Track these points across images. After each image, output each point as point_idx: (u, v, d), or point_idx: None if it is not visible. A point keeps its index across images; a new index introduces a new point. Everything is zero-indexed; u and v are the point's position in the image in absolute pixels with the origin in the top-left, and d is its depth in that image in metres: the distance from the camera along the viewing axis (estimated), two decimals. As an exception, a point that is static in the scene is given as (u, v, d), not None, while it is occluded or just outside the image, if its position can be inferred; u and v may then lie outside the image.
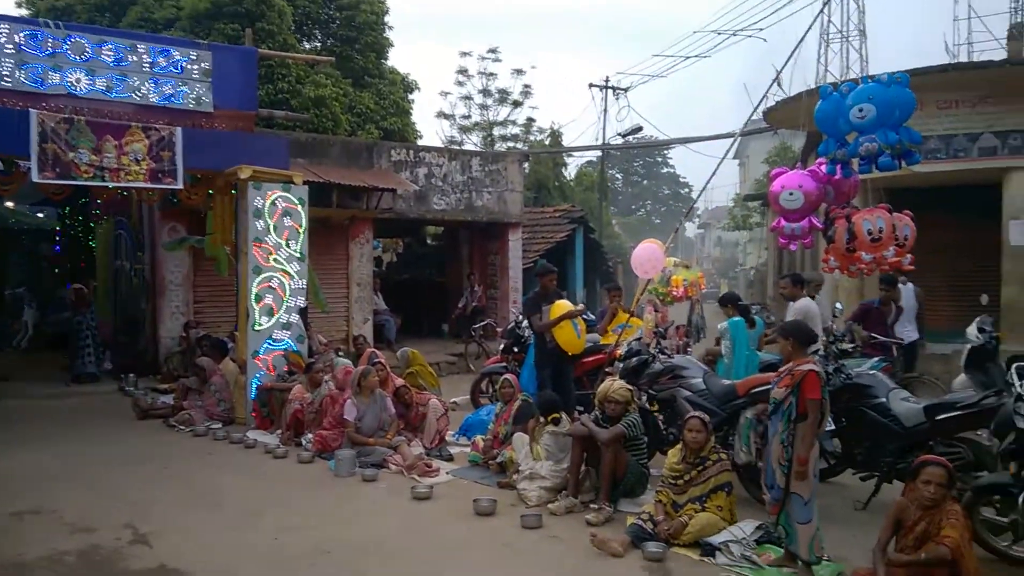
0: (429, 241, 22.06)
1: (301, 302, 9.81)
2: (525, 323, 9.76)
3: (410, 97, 21.64)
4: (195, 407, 9.31)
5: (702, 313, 15.37)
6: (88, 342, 12.13)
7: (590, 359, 8.48)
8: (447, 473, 7.16)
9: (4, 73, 8.91)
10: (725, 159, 11.44)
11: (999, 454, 4.96)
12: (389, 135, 19.00)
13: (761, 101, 11.63)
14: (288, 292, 9.64)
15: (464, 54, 29.67)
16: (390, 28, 21.28)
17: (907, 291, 9.48)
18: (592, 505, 5.90)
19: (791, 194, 7.58)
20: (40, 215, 18.35)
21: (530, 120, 30.20)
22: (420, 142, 21.02)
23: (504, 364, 9.65)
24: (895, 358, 8.67)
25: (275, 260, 9.55)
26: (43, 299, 16.54)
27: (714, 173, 12.18)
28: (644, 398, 7.03)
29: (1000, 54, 14.43)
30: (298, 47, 18.50)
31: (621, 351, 7.74)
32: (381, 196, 14.24)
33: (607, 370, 8.09)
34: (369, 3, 20.12)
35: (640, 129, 28.55)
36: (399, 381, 8.48)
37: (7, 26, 8.98)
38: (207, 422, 9.09)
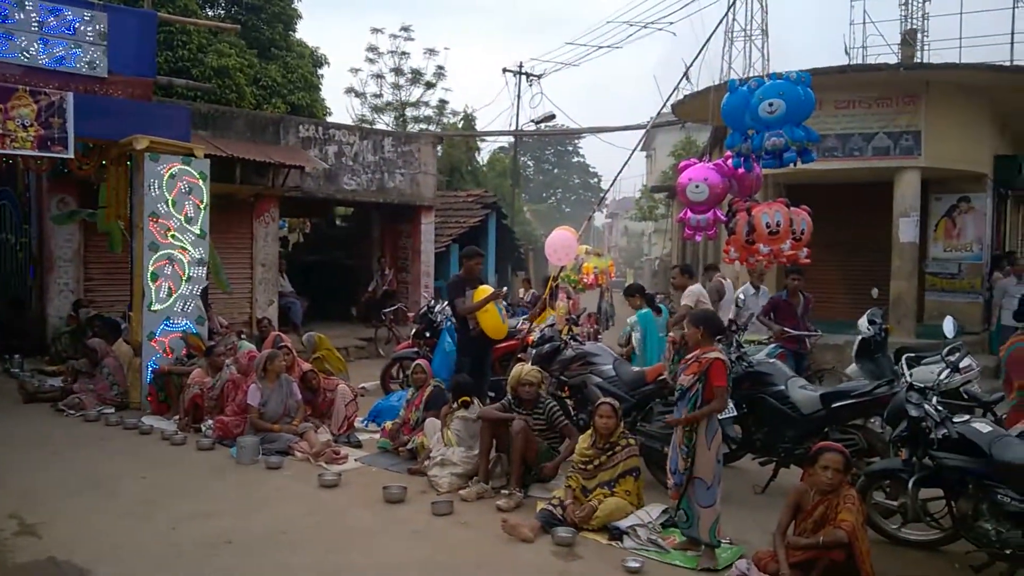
0: (338, 222, 21.58)
1: (201, 282, 9.41)
2: (438, 308, 9.68)
3: (319, 72, 21.02)
4: (86, 391, 8.81)
5: (611, 301, 15.63)
6: (-33, 320, 11.34)
7: (503, 345, 8.48)
8: (356, 460, 7.02)
9: None
10: (635, 151, 11.63)
11: (890, 441, 5.22)
12: (297, 110, 18.42)
13: (672, 94, 11.89)
14: (187, 271, 9.23)
15: (376, 30, 28.99)
16: (299, -1, 20.61)
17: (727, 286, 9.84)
18: (503, 491, 5.90)
19: (697, 186, 7.76)
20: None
21: (443, 102, 29.92)
22: (329, 119, 20.47)
23: (415, 349, 9.56)
24: (809, 351, 8.85)
25: (173, 237, 9.13)
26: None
27: (626, 163, 12.31)
28: (555, 384, 7.08)
29: (894, 58, 15.18)
30: (200, 13, 17.65)
31: (534, 337, 7.77)
32: (288, 173, 13.79)
33: (519, 356, 8.11)
34: (277, -29, 19.40)
35: (553, 117, 28.65)
36: (306, 366, 8.25)
37: None
38: (99, 407, 8.61)
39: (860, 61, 14.74)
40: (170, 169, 9.07)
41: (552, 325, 7.82)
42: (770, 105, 6.94)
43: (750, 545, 5.00)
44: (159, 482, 6.26)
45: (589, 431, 5.73)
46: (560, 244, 8.65)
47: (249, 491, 6.10)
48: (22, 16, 8.87)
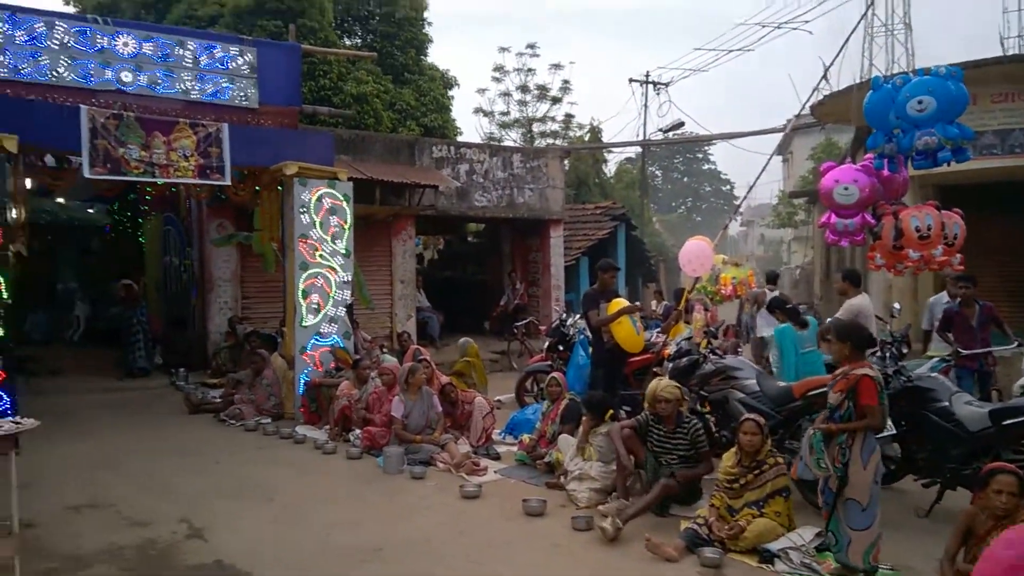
0: (469, 238, 22.07)
1: (347, 298, 9.85)
2: (570, 321, 9.70)
3: (450, 93, 21.66)
4: (246, 401, 9.42)
5: (752, 312, 15.10)
6: (139, 337, 12.32)
7: (638, 358, 8.38)
8: (495, 472, 7.12)
9: (55, 70, 9.09)
10: (772, 156, 11.23)
11: (1073, 462, 4.75)
12: (430, 132, 19.03)
13: (810, 95, 11.38)
14: (334, 288, 9.70)
15: (502, 50, 29.51)
16: (429, 24, 21.35)
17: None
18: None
19: (845, 188, 7.39)
20: (90, 211, 18.64)
21: (569, 116, 30.02)
22: (460, 139, 21.01)
23: (549, 363, 9.60)
24: (992, 370, 8.01)
25: (321, 256, 9.62)
26: (95, 294, 16.78)
27: (764, 169, 11.88)
28: (695, 399, 6.91)
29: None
30: (339, 43, 18.61)
31: (670, 350, 7.63)
32: (423, 193, 14.25)
33: (655, 369, 7.97)
34: (408, -1, 20.19)
35: (682, 125, 28.19)
36: (444, 379, 8.46)
37: (57, 23, 9.16)
38: (257, 417, 9.19)
39: (1017, 51, 13.64)
40: (316, 192, 9.56)
41: (689, 338, 7.63)
42: (919, 103, 6.55)
43: (912, 572, 4.69)
44: (312, 489, 6.59)
45: (733, 448, 5.53)
46: (695, 255, 8.44)
47: (395, 500, 6.31)
48: (181, 55, 9.69)
